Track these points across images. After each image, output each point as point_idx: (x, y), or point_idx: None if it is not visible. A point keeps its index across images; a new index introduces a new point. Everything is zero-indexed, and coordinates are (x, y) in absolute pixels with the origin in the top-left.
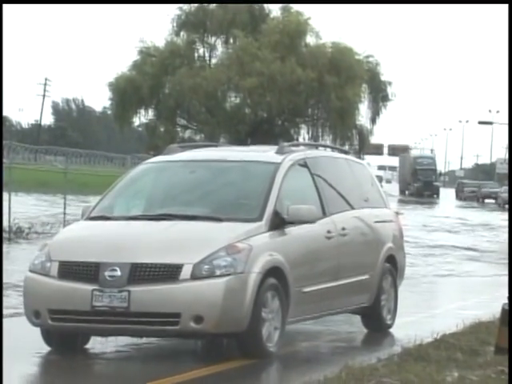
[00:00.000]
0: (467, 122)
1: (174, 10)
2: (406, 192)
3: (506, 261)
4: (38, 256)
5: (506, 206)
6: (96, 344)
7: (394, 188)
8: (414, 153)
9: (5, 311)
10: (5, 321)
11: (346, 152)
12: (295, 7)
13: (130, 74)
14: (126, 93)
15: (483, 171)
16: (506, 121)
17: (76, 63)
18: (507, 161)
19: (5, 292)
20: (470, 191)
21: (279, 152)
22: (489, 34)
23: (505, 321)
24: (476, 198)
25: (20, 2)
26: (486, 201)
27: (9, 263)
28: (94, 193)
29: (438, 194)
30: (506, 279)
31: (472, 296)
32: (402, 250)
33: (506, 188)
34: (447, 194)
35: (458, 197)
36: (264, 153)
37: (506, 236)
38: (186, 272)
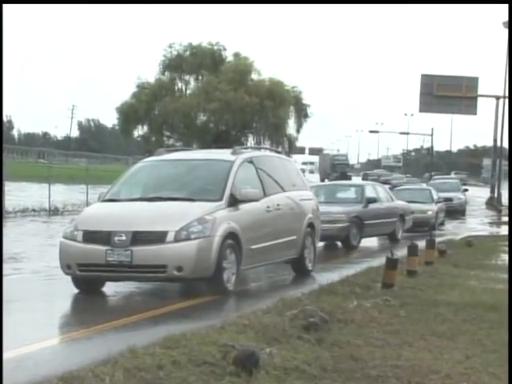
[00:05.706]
0: (362, 131)
1: (160, 56)
2: (326, 180)
3: None
4: (68, 227)
5: (396, 188)
6: (109, 287)
7: (315, 177)
8: (332, 152)
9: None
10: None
11: (279, 152)
12: (243, 53)
13: (131, 101)
14: (129, 114)
15: (373, 164)
16: (389, 130)
17: (93, 93)
18: (389, 157)
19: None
20: (372, 179)
21: (233, 153)
22: (373, 66)
23: (388, 266)
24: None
25: (21, 2)
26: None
27: (49, 229)
28: (107, 183)
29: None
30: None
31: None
32: (318, 219)
33: (395, 176)
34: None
35: None
36: (223, 154)
37: None
38: (170, 236)
